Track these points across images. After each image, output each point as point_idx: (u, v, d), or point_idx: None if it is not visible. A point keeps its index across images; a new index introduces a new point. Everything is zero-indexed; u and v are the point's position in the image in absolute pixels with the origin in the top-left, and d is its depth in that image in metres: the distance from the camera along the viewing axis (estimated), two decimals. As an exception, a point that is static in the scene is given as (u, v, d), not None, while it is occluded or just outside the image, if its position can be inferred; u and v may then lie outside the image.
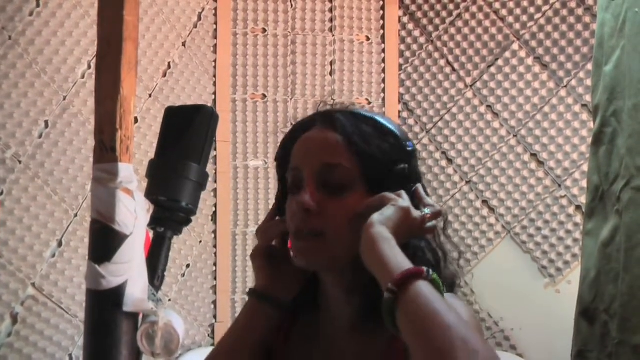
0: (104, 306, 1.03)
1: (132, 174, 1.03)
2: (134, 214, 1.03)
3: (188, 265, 4.36)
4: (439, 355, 1.25)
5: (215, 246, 4.51)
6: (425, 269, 1.37)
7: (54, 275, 3.82)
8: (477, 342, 1.24)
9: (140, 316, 1.05)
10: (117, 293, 1.02)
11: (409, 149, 1.65)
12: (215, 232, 4.51)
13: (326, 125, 1.66)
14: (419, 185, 1.64)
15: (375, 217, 1.51)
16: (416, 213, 1.56)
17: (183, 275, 4.34)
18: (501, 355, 4.45)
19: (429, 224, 1.58)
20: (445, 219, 1.70)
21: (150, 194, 1.14)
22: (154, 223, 1.15)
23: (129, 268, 1.02)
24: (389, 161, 1.62)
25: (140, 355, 1.03)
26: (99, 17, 1.06)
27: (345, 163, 1.60)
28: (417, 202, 1.60)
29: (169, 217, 1.15)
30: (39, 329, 3.78)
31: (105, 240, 1.02)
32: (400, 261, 1.41)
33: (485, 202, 4.64)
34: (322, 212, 1.59)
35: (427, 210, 1.58)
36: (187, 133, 1.17)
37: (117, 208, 1.01)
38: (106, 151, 1.02)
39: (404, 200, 1.56)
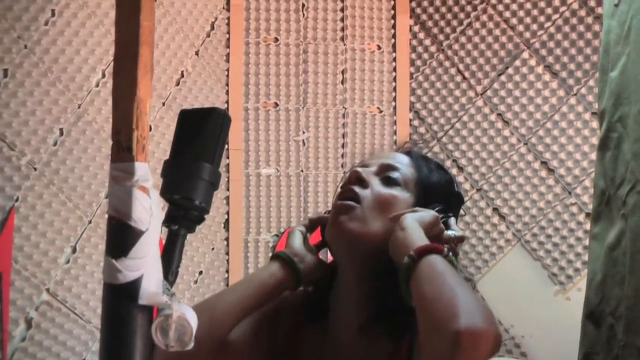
0: (120, 299, 1.06)
1: (147, 173, 1.06)
2: (149, 211, 1.06)
3: (200, 272, 4.39)
4: (442, 311, 1.37)
5: (227, 253, 4.54)
6: (446, 248, 1.52)
7: (68, 281, 3.85)
8: (480, 307, 1.39)
9: (155, 309, 1.09)
10: (133, 287, 1.05)
11: (457, 190, 1.87)
12: (227, 239, 4.54)
13: (400, 151, 1.92)
14: (453, 218, 1.78)
15: (409, 214, 1.66)
16: (444, 228, 1.70)
17: (196, 282, 4.37)
18: (512, 362, 4.49)
19: (452, 246, 1.68)
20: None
21: (165, 193, 1.18)
22: (168, 221, 1.18)
23: (144, 263, 1.05)
24: (440, 192, 1.81)
25: (155, 346, 1.07)
26: (116, 21, 1.09)
27: (405, 171, 1.81)
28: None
29: (183, 215, 1.19)
30: (53, 334, 3.81)
31: (121, 236, 1.05)
32: (425, 241, 1.55)
33: (495, 209, 4.67)
34: (370, 188, 1.75)
35: (452, 233, 1.70)
36: (200, 134, 1.21)
37: (133, 205, 1.04)
38: (122, 151, 1.06)
39: (435, 213, 1.71)
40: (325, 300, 1.83)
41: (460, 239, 1.71)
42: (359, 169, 1.78)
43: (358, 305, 1.73)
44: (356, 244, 1.71)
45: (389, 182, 1.77)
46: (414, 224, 1.61)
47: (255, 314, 1.77)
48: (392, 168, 1.80)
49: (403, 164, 1.82)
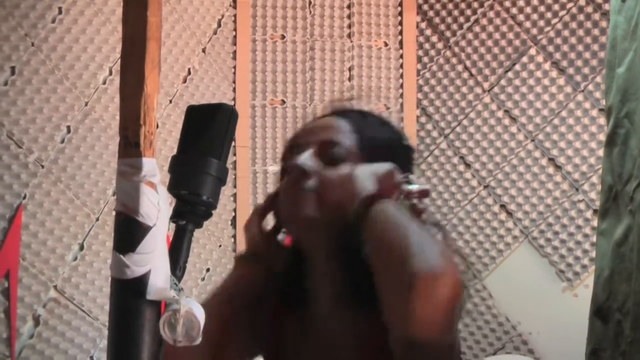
0: (128, 294, 1.06)
1: (155, 168, 1.07)
2: (157, 206, 1.07)
3: (208, 269, 4.40)
4: (394, 254, 1.33)
5: (234, 250, 4.54)
6: (401, 197, 1.51)
7: (76, 278, 3.86)
8: (436, 248, 1.33)
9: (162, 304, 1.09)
10: (141, 282, 1.05)
11: (405, 142, 1.80)
12: (234, 236, 4.54)
13: (333, 113, 1.79)
14: (411, 176, 1.66)
15: (360, 168, 1.60)
16: (402, 181, 1.60)
17: (203, 279, 4.38)
18: (519, 359, 4.48)
19: (417, 203, 1.60)
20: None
21: (172, 188, 1.18)
22: (176, 216, 1.18)
23: (152, 258, 1.06)
24: (387, 146, 1.72)
25: (163, 341, 1.07)
26: (123, 17, 1.10)
27: (346, 142, 1.68)
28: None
29: (191, 211, 1.19)
30: (61, 331, 3.82)
31: (129, 232, 1.06)
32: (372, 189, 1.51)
33: (502, 206, 4.66)
34: (317, 173, 1.64)
35: (413, 186, 1.61)
36: (208, 130, 1.22)
37: (140, 201, 1.05)
38: (130, 146, 1.06)
39: (391, 165, 1.61)
40: (302, 279, 1.80)
41: (424, 193, 1.62)
42: (299, 163, 1.65)
43: (331, 281, 1.69)
44: (317, 230, 1.66)
45: (332, 161, 1.66)
46: (364, 175, 1.57)
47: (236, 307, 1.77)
48: (332, 144, 1.69)
49: (343, 132, 1.71)
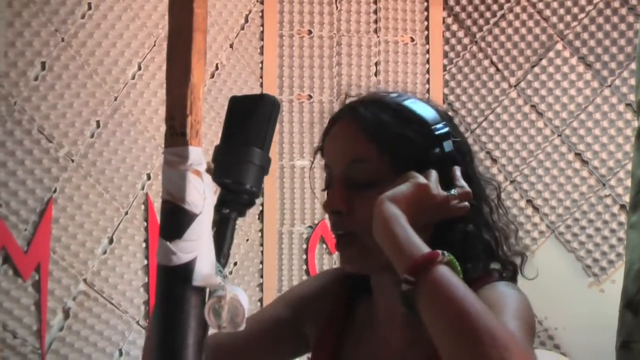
0: (174, 281, 1.07)
1: (201, 157, 1.08)
2: (202, 194, 1.08)
3: (235, 264, 4.41)
4: (465, 345, 1.20)
5: (262, 245, 4.56)
6: (439, 252, 1.30)
7: (105, 271, 3.90)
8: (504, 333, 1.19)
9: (207, 291, 1.11)
10: (187, 268, 1.07)
11: (439, 132, 1.55)
12: (262, 230, 4.55)
13: (349, 119, 1.60)
14: (456, 167, 1.53)
15: (386, 193, 1.44)
16: (438, 191, 1.47)
17: (230, 273, 4.39)
18: (545, 354, 4.47)
19: (457, 204, 1.48)
20: (498, 194, 1.65)
21: (217, 177, 1.19)
22: (219, 205, 1.20)
23: (198, 245, 1.07)
24: (416, 149, 1.53)
25: (207, 327, 1.08)
26: (169, 9, 1.11)
27: (370, 157, 1.54)
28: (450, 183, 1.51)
29: (234, 199, 1.20)
30: (90, 324, 3.85)
31: (176, 219, 1.07)
32: (413, 244, 1.35)
33: (529, 201, 4.66)
34: (352, 211, 1.54)
35: (453, 191, 1.48)
36: (251, 120, 1.23)
37: (187, 189, 1.06)
38: (177, 136, 1.07)
39: (423, 177, 1.48)
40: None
41: (464, 196, 1.49)
42: (332, 199, 1.56)
43: (396, 298, 1.45)
44: (375, 269, 1.60)
45: (365, 186, 1.53)
46: (391, 209, 1.41)
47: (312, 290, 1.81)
48: (357, 165, 1.55)
49: (361, 146, 1.55)
